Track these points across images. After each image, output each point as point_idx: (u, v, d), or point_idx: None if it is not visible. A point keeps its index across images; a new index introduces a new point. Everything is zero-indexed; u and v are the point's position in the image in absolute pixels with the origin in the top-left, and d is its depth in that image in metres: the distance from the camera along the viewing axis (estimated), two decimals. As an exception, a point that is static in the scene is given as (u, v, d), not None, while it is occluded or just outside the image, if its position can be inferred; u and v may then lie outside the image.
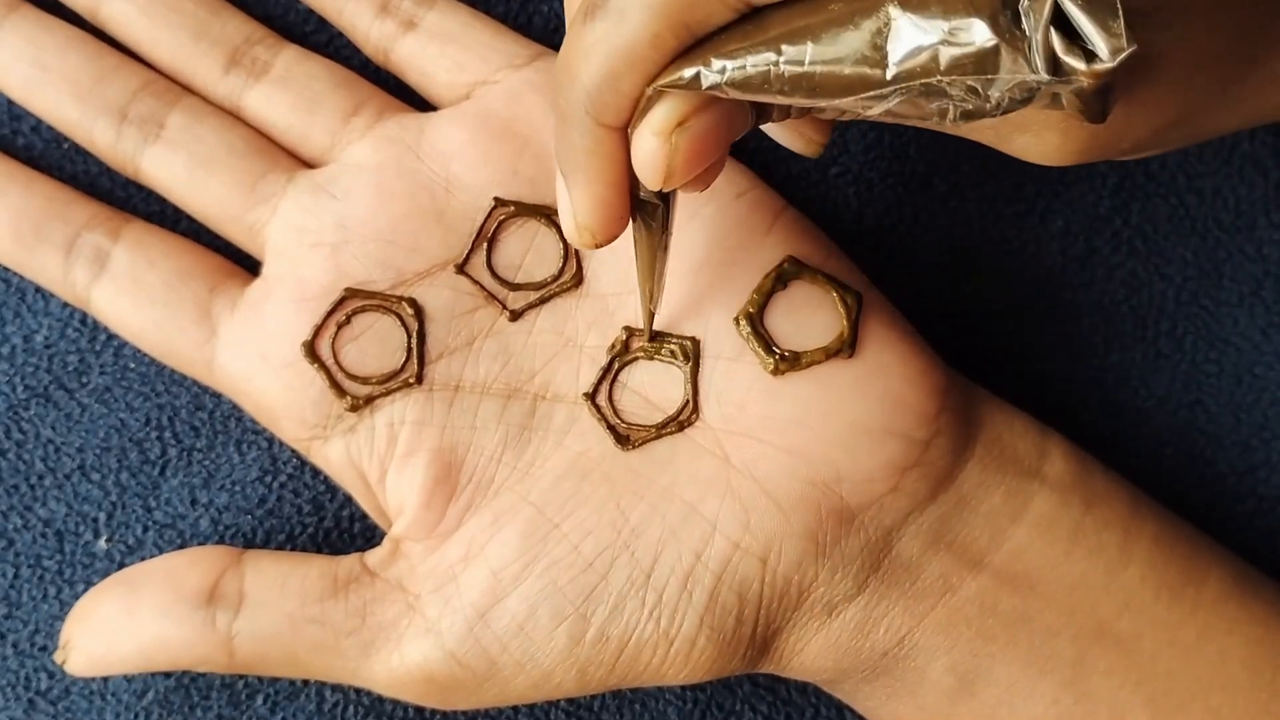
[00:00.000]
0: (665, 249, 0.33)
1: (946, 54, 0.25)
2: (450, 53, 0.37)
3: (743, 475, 0.34)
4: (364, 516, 0.39)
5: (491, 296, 0.36)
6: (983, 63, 0.25)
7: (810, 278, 0.35)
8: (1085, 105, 0.25)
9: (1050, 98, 0.26)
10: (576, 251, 0.36)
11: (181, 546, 0.38)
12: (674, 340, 0.35)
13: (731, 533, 0.34)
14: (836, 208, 0.39)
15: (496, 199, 0.36)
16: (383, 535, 0.37)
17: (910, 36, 0.25)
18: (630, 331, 0.35)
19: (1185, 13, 0.27)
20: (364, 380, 0.35)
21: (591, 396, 0.35)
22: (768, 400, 0.34)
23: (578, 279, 0.36)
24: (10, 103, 0.39)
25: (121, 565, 0.38)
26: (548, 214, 0.36)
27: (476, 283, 0.36)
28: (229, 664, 0.35)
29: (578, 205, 0.30)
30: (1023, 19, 0.25)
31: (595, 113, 0.28)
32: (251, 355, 0.36)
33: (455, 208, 0.36)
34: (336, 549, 0.39)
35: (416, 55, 0.37)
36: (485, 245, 0.36)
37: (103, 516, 0.39)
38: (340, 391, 0.35)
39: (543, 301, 0.36)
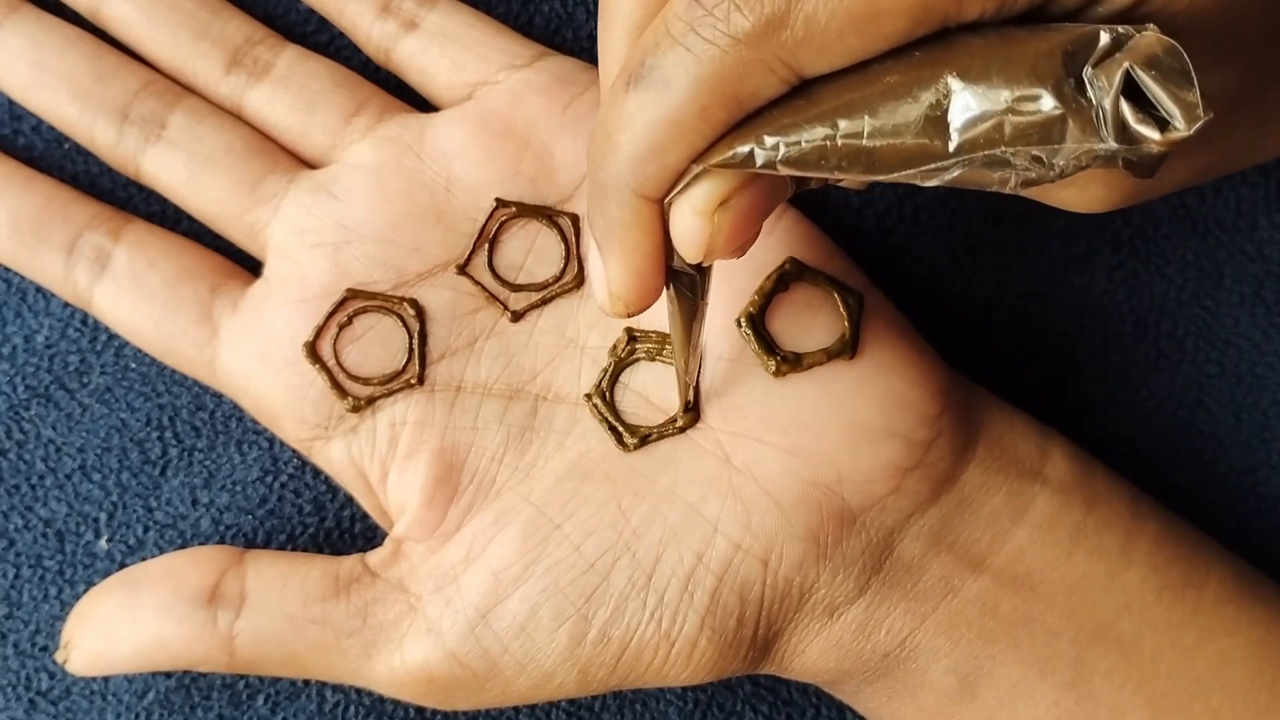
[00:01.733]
0: (701, 318, 0.32)
1: (1010, 124, 0.25)
2: (451, 53, 0.37)
3: (744, 476, 0.34)
4: (365, 517, 0.39)
5: (493, 297, 0.36)
6: (1048, 132, 0.25)
7: (811, 279, 0.35)
8: (1139, 165, 0.25)
9: (1106, 159, 0.25)
10: (578, 252, 0.36)
11: (182, 547, 0.38)
12: (675, 341, 0.35)
13: (733, 534, 0.34)
14: (837, 209, 0.39)
15: (498, 199, 0.36)
16: (383, 536, 0.37)
17: (972, 107, 0.25)
18: (631, 333, 0.35)
19: (1226, 60, 0.27)
20: (365, 381, 0.35)
21: (592, 397, 0.35)
22: (769, 401, 0.34)
23: (579, 280, 0.36)
24: (11, 102, 0.39)
25: (122, 565, 0.38)
26: (549, 214, 0.36)
27: (478, 283, 0.36)
28: (230, 664, 0.35)
29: (612, 275, 0.29)
30: (1088, 87, 0.25)
31: (636, 185, 0.27)
32: (253, 355, 0.36)
33: (456, 208, 0.36)
34: (337, 549, 0.39)
35: (417, 55, 0.37)
36: (486, 246, 0.36)
37: (104, 516, 0.39)
38: (341, 392, 0.35)
39: (544, 302, 0.36)
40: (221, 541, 0.38)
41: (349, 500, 0.39)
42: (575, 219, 0.36)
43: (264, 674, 0.36)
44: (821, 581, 0.34)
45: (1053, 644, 0.35)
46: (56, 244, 0.37)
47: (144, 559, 0.38)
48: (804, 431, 0.34)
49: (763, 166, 0.26)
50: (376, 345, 0.35)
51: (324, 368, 0.35)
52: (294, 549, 0.38)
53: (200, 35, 0.37)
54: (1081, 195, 0.29)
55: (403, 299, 0.35)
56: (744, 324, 0.35)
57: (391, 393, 0.35)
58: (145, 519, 0.39)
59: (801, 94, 0.26)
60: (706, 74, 0.26)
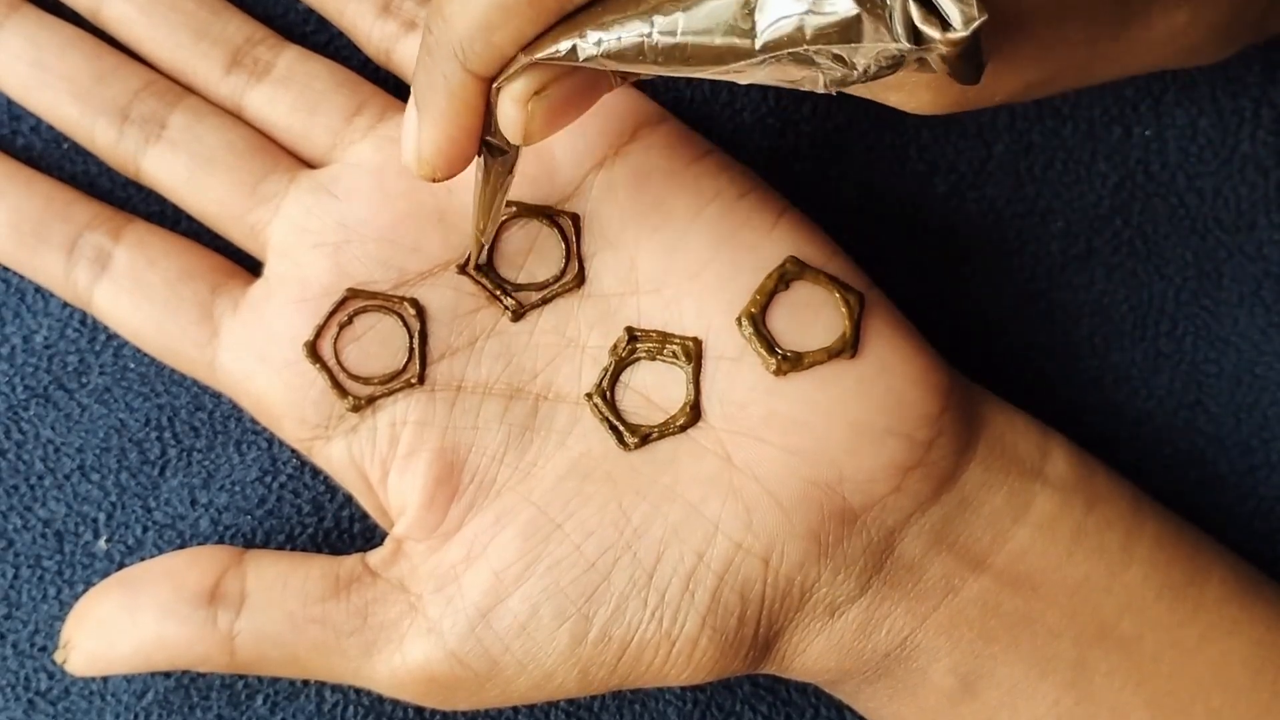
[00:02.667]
0: (506, 189, 0.33)
1: (812, 23, 0.26)
2: None
3: (745, 475, 0.34)
4: (364, 517, 0.39)
5: (494, 296, 0.36)
6: (846, 32, 0.26)
7: (812, 278, 0.35)
8: (955, 69, 0.26)
9: (918, 62, 0.26)
10: (579, 252, 0.36)
11: (181, 547, 0.38)
12: (676, 340, 0.35)
13: (734, 533, 0.34)
14: (838, 208, 0.39)
15: (498, 199, 0.36)
16: (383, 536, 0.36)
17: (777, 7, 0.26)
18: (632, 332, 0.35)
19: None
20: (366, 380, 0.35)
21: (593, 396, 0.35)
22: (770, 400, 0.34)
23: (579, 279, 0.36)
24: (10, 103, 0.39)
25: (121, 565, 0.38)
26: (550, 215, 0.36)
27: (479, 283, 0.36)
28: (230, 664, 0.35)
29: (425, 139, 0.31)
30: None
31: (464, 59, 0.29)
32: (253, 355, 0.36)
33: (457, 208, 0.36)
34: (337, 549, 0.39)
35: None
36: (487, 245, 0.36)
37: (102, 517, 0.39)
38: (342, 391, 0.35)
39: (545, 302, 0.36)
40: (220, 542, 0.38)
41: (348, 500, 0.39)
42: (576, 218, 0.36)
43: (264, 674, 0.36)
44: (822, 581, 0.34)
45: (1053, 644, 0.35)
46: (57, 244, 0.37)
47: (143, 559, 0.38)
48: (805, 430, 0.34)
49: (585, 61, 0.28)
50: (377, 345, 0.35)
51: (324, 367, 0.35)
52: (293, 549, 0.38)
53: (200, 35, 0.37)
54: (913, 99, 0.29)
55: (403, 298, 0.35)
56: (745, 322, 0.35)
57: (392, 392, 0.35)
58: (144, 519, 0.39)
59: None
60: None
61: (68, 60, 0.37)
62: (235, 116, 0.37)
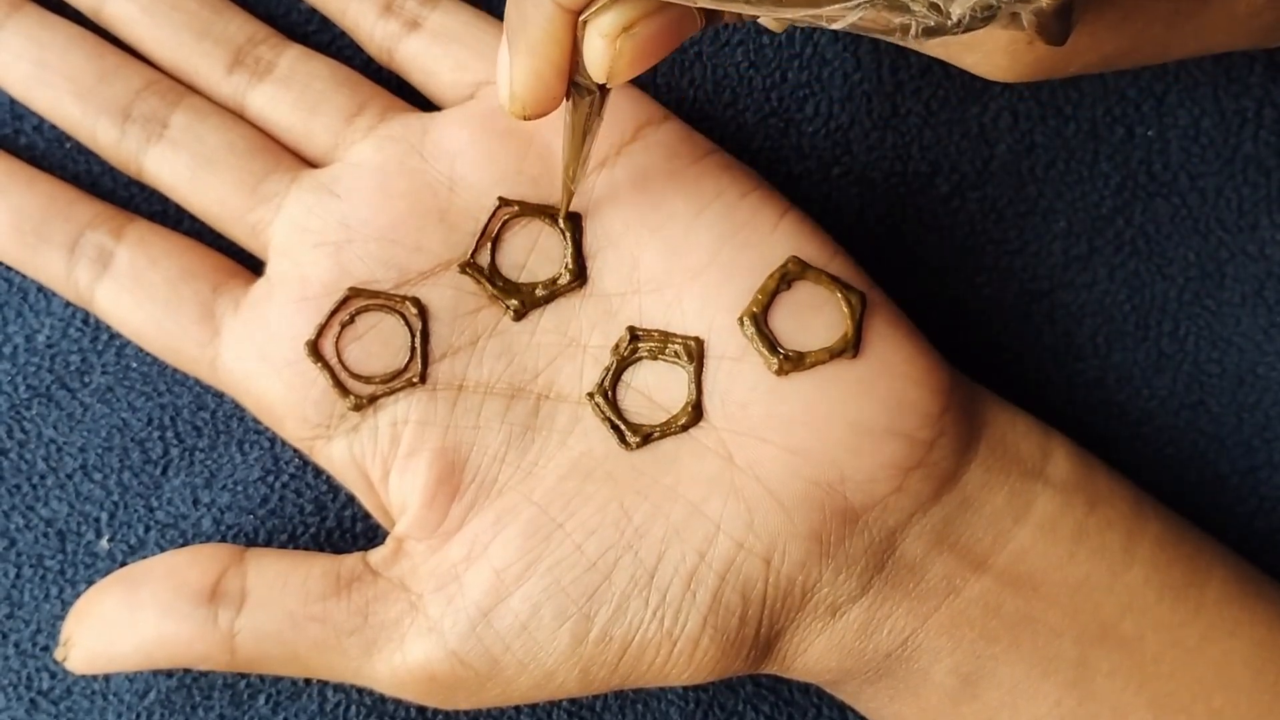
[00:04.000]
0: (595, 133, 0.33)
1: None
2: (454, 52, 0.37)
3: (746, 475, 0.34)
4: (366, 516, 0.39)
5: (495, 296, 0.36)
6: None
7: (814, 278, 0.35)
8: (1045, 27, 0.26)
9: (1010, 18, 0.26)
10: (580, 252, 0.36)
11: (183, 546, 0.38)
12: (678, 340, 0.35)
13: (735, 533, 0.34)
14: (839, 208, 0.39)
15: (500, 198, 0.36)
16: (384, 535, 0.37)
17: None
18: (633, 332, 0.35)
19: None
20: (367, 379, 0.35)
21: (595, 396, 0.35)
22: (772, 400, 0.34)
23: (581, 279, 0.36)
24: (13, 102, 0.39)
25: (123, 565, 0.38)
26: (552, 214, 0.36)
27: (480, 282, 0.36)
28: (230, 662, 0.35)
29: (517, 77, 0.31)
30: None
31: None
32: (254, 354, 0.36)
33: (459, 207, 0.36)
34: (338, 549, 0.39)
35: (420, 55, 0.37)
36: (489, 245, 0.36)
37: (105, 516, 0.39)
38: (343, 391, 0.35)
39: (546, 301, 0.36)
40: (223, 541, 0.38)
41: (350, 500, 0.39)
42: (578, 218, 0.36)
43: (265, 673, 0.36)
44: (824, 580, 0.34)
45: (1055, 644, 0.35)
46: (58, 243, 0.37)
47: (145, 559, 0.38)
48: (806, 430, 0.34)
49: None
50: (378, 344, 0.35)
51: (326, 366, 0.35)
52: (295, 549, 0.38)
53: (202, 35, 0.37)
54: (987, 62, 0.29)
55: (405, 298, 0.35)
56: (746, 322, 0.35)
57: (393, 391, 0.35)
58: (146, 519, 0.39)
59: None
60: None
61: (70, 59, 0.37)
62: (237, 116, 0.37)
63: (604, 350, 0.36)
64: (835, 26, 0.27)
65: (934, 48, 0.30)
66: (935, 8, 0.26)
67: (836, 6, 0.26)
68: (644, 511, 0.34)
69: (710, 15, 0.30)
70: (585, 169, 0.34)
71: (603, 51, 0.29)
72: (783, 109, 0.40)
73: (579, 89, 0.32)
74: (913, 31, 0.27)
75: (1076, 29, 0.28)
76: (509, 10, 0.31)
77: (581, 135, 0.33)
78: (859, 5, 0.26)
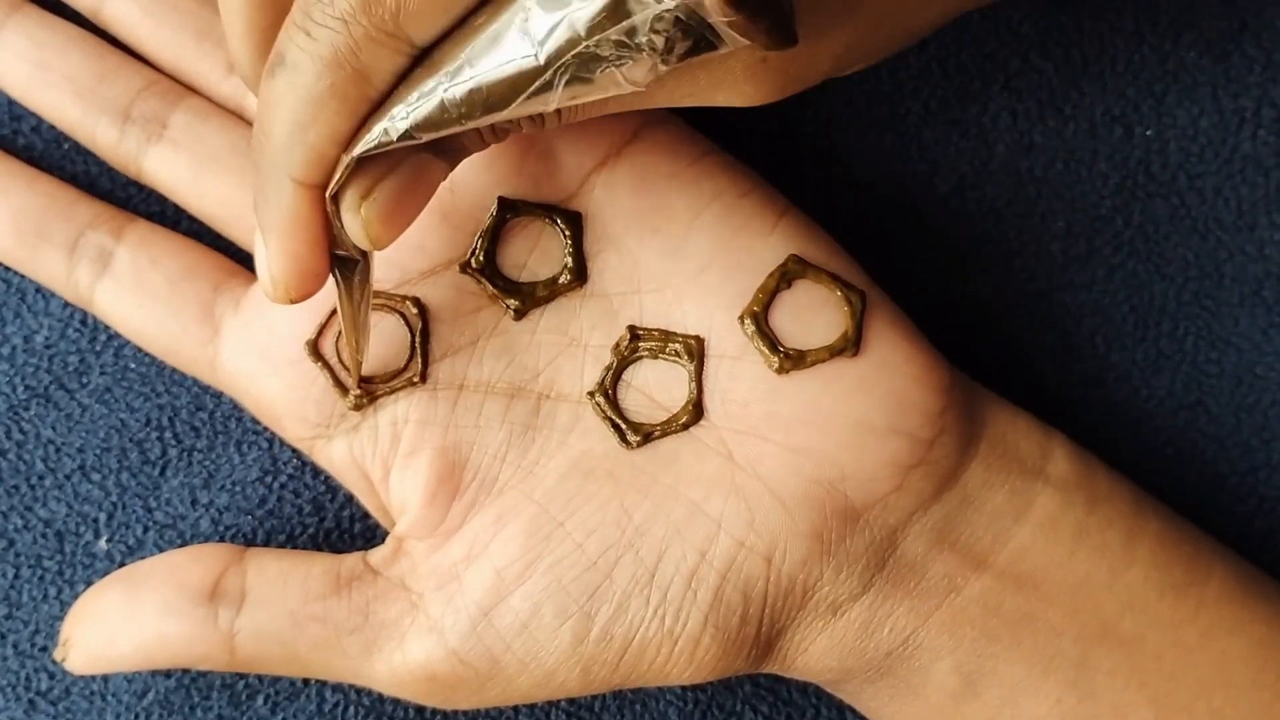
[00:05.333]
0: (369, 299, 0.33)
1: (582, 19, 0.26)
2: None
3: (747, 474, 0.34)
4: (365, 517, 0.39)
5: (495, 295, 0.36)
6: (615, 12, 0.26)
7: (814, 276, 0.35)
8: (757, 34, 0.25)
9: (724, 38, 0.26)
10: (581, 251, 0.36)
11: (182, 546, 0.38)
12: (678, 339, 0.35)
13: (736, 531, 0.34)
14: (839, 208, 0.39)
15: (500, 198, 0.36)
16: (384, 535, 0.37)
17: (546, 17, 0.26)
18: (634, 331, 0.35)
19: None
20: (368, 379, 0.35)
21: (595, 395, 0.35)
22: (772, 399, 0.34)
23: (581, 278, 0.36)
24: (12, 102, 0.39)
25: (122, 565, 0.38)
26: (552, 214, 0.36)
27: (481, 282, 0.36)
28: (230, 662, 0.35)
29: (273, 261, 0.31)
30: None
31: (288, 168, 0.29)
32: (254, 354, 0.36)
33: (460, 207, 0.36)
34: (337, 549, 0.39)
35: None
36: (489, 245, 0.36)
37: (103, 517, 0.39)
38: (344, 390, 0.35)
39: (547, 301, 0.36)
40: (221, 541, 0.38)
41: (349, 500, 0.39)
42: (578, 218, 0.36)
43: (264, 672, 0.36)
44: (825, 579, 0.34)
45: (1055, 643, 0.35)
46: (58, 243, 0.37)
47: (144, 559, 0.38)
48: (807, 429, 0.34)
49: (401, 139, 0.28)
50: (379, 344, 0.35)
51: (326, 366, 0.35)
52: (294, 549, 0.38)
53: (203, 35, 0.37)
54: (734, 91, 0.30)
55: (405, 297, 0.35)
56: (747, 321, 0.35)
57: (394, 391, 0.35)
58: (145, 519, 0.39)
59: (423, 63, 0.28)
60: (325, 53, 0.28)
61: (69, 60, 0.37)
62: (237, 116, 0.37)
63: (604, 349, 0.36)
64: (551, 108, 0.28)
65: (684, 98, 0.30)
66: (623, 45, 0.26)
67: (537, 86, 0.27)
68: (645, 510, 0.34)
69: (454, 154, 0.31)
70: (368, 336, 0.34)
71: (354, 224, 0.30)
72: (783, 109, 0.40)
73: (342, 261, 0.32)
74: (621, 80, 0.27)
75: (804, 30, 0.27)
76: (256, 202, 0.31)
77: (355, 304, 0.33)
78: (555, 75, 0.27)
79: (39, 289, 0.39)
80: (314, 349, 0.35)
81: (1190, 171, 0.40)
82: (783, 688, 0.39)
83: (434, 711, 0.38)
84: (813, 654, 0.35)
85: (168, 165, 0.37)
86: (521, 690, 0.34)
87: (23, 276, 0.39)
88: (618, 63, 0.26)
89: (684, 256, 0.35)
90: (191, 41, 0.37)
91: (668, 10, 0.25)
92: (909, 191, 0.40)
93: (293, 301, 0.31)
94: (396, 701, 0.38)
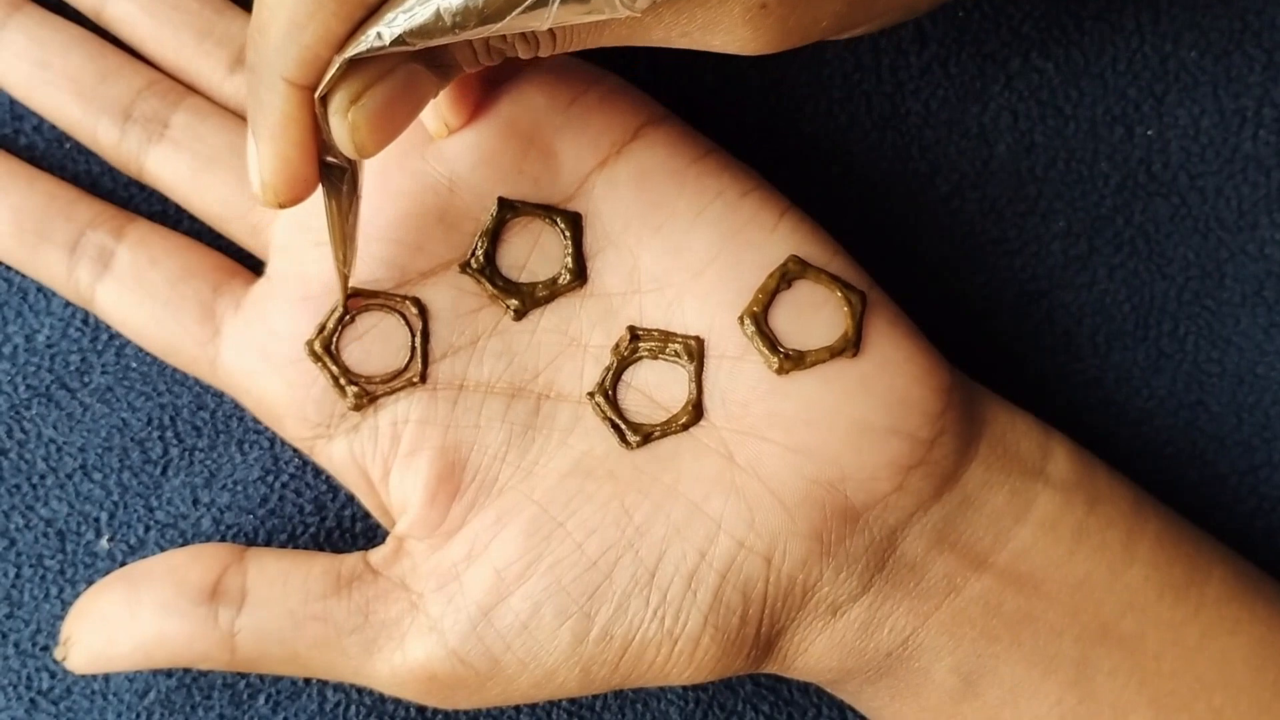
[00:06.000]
0: (356, 212, 0.33)
1: None
2: None
3: (747, 474, 0.34)
4: (366, 516, 0.39)
5: (495, 295, 0.36)
6: None
7: (814, 277, 0.35)
8: None
9: None
10: (581, 251, 0.36)
11: (183, 546, 0.38)
12: (678, 339, 0.35)
13: (736, 531, 0.34)
14: (840, 208, 0.39)
15: (500, 198, 0.36)
16: (385, 535, 0.37)
17: None
18: (634, 331, 0.35)
19: None
20: (368, 379, 0.35)
21: (595, 395, 0.35)
22: (772, 399, 0.34)
23: (581, 279, 0.36)
24: (13, 102, 0.39)
25: (123, 565, 0.38)
26: (552, 214, 0.36)
27: (481, 282, 0.36)
28: (230, 661, 0.35)
29: (264, 164, 0.31)
30: None
31: (281, 68, 0.29)
32: (255, 354, 0.36)
33: (460, 207, 0.36)
34: (338, 549, 0.39)
35: None
36: (489, 245, 0.36)
37: (104, 516, 0.39)
38: (343, 390, 0.35)
39: (547, 301, 0.36)
40: (222, 541, 0.38)
41: (350, 500, 0.39)
42: (578, 218, 0.36)
43: (265, 672, 0.36)
44: (825, 579, 0.34)
45: (1056, 643, 0.35)
46: (59, 243, 0.37)
47: (145, 558, 0.38)
48: (807, 429, 0.34)
49: (393, 44, 0.28)
50: (379, 343, 0.35)
51: (326, 366, 0.35)
52: (295, 548, 0.38)
53: (204, 35, 0.37)
54: (731, 37, 0.29)
55: (405, 297, 0.35)
56: (747, 321, 0.35)
57: (394, 391, 0.35)
58: (146, 519, 0.39)
59: None
60: None
61: (71, 59, 0.37)
62: (238, 116, 0.37)
63: (604, 350, 0.36)
64: (543, 25, 0.28)
65: (679, 38, 0.30)
66: None
67: (525, 11, 0.27)
68: (645, 510, 0.34)
69: (444, 71, 0.31)
70: (355, 248, 0.34)
71: (340, 127, 0.30)
72: (783, 109, 0.40)
73: (330, 169, 0.32)
74: (618, 5, 0.27)
75: None
76: (247, 99, 0.31)
77: (343, 215, 0.33)
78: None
79: (40, 288, 0.39)
80: (313, 349, 0.35)
81: (1191, 171, 0.40)
82: (784, 687, 0.39)
83: (435, 711, 0.38)
84: (812, 654, 0.35)
85: (169, 165, 0.37)
86: (521, 690, 0.34)
87: (24, 276, 0.39)
88: None
89: (684, 256, 0.35)
90: (192, 41, 0.37)
91: None
92: (909, 191, 0.40)
93: (281, 206, 0.31)
94: (397, 701, 0.38)
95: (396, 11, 0.28)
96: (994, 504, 0.35)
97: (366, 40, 0.28)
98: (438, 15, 0.28)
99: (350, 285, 0.35)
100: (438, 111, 0.35)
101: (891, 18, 0.32)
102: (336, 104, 0.29)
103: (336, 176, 0.32)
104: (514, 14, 0.27)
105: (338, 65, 0.29)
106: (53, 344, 0.39)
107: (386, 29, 0.28)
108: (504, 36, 0.30)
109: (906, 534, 0.35)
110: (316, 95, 0.30)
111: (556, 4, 0.27)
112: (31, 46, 0.37)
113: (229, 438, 0.39)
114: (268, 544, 0.38)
